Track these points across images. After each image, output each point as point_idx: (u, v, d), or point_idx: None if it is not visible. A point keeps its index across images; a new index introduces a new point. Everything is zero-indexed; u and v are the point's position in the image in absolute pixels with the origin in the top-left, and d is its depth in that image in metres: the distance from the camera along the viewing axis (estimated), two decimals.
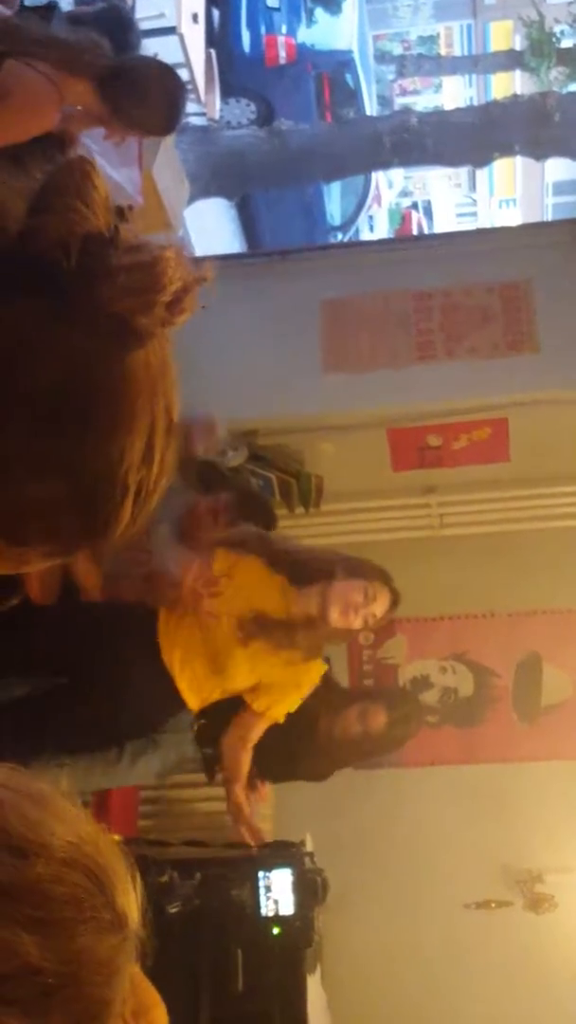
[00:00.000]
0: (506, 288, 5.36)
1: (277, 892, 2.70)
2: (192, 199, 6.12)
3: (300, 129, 7.84)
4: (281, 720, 3.63)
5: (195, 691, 3.53)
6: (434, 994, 5.15)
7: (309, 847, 4.25)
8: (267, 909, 2.68)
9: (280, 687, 3.64)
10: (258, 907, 2.67)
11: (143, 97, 3.51)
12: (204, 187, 6.39)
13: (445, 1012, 5.13)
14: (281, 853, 2.76)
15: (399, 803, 5.52)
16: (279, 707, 3.62)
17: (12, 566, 1.07)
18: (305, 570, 3.64)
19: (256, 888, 2.68)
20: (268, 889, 2.70)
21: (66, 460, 0.98)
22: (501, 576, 5.86)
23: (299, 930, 2.84)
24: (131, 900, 1.04)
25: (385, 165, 8.49)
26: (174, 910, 2.62)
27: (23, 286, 0.95)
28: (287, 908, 2.67)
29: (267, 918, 2.67)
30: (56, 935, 0.94)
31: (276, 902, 2.69)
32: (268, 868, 2.71)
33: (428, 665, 5.80)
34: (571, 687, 5.70)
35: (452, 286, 5.41)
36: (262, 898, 2.68)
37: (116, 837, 3.02)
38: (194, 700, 3.54)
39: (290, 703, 3.65)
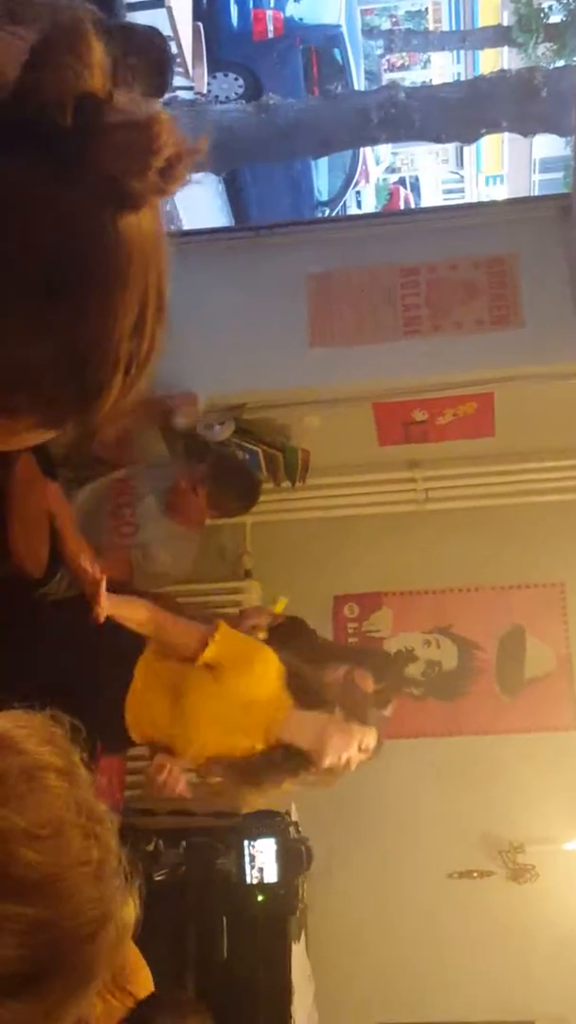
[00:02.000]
0: (492, 263, 5.36)
1: (262, 861, 2.73)
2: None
3: (288, 104, 7.82)
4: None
5: (141, 738, 3.53)
6: (417, 962, 5.22)
7: (294, 817, 4.30)
8: (252, 877, 2.71)
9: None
10: (243, 875, 2.70)
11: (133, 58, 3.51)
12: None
13: (428, 980, 5.20)
14: (266, 822, 2.79)
15: (383, 775, 5.53)
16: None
17: (1, 441, 1.07)
18: (314, 694, 3.49)
19: (241, 857, 2.72)
20: (253, 858, 2.74)
21: (56, 324, 0.97)
22: (485, 550, 5.90)
23: (283, 898, 2.88)
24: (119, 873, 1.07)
25: (373, 140, 8.47)
26: (160, 878, 2.65)
27: (16, 144, 0.94)
28: (271, 876, 2.71)
29: (252, 886, 2.71)
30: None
31: (261, 870, 2.72)
32: (253, 837, 2.74)
33: (412, 638, 5.85)
34: (554, 660, 5.75)
35: (438, 260, 5.41)
36: (247, 866, 2.71)
37: (103, 806, 3.05)
38: (137, 737, 3.54)
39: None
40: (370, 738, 3.43)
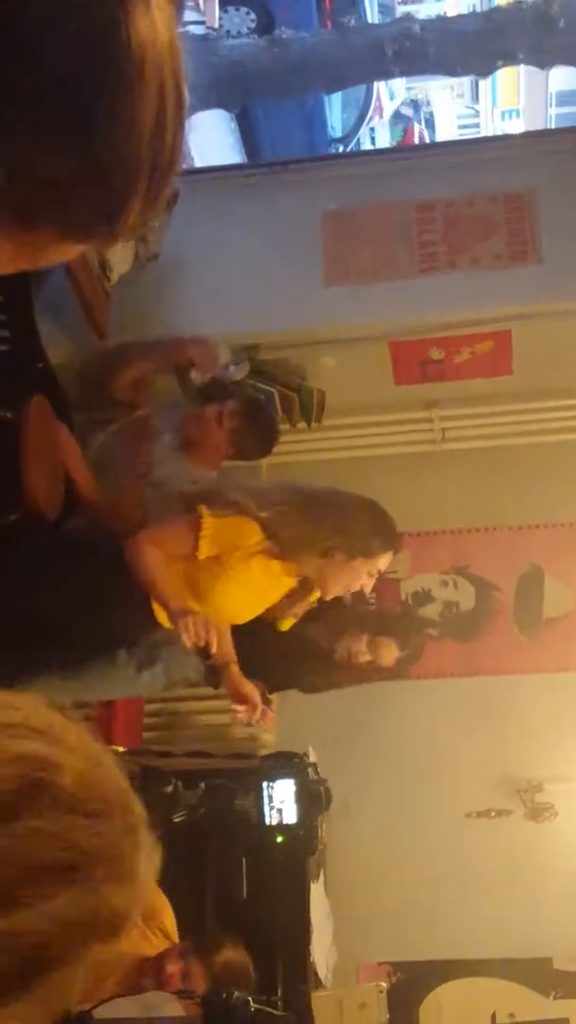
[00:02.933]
0: (509, 198, 5.28)
1: (280, 802, 2.73)
2: (191, 111, 5.99)
3: (300, 38, 7.66)
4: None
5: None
6: (435, 901, 5.24)
7: (312, 759, 4.30)
8: (271, 818, 2.70)
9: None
10: (262, 816, 2.69)
11: None
12: (203, 98, 6.26)
13: (446, 918, 5.22)
14: (284, 764, 2.79)
15: (401, 715, 5.57)
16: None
17: (28, 259, 1.02)
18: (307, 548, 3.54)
19: (260, 798, 2.72)
20: (272, 799, 2.73)
21: (76, 126, 0.92)
22: (503, 490, 5.86)
23: (302, 839, 2.88)
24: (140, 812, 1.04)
25: (386, 75, 8.31)
26: (179, 819, 2.65)
27: None
28: (291, 817, 2.71)
29: (271, 827, 2.70)
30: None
31: (280, 811, 2.72)
32: (272, 778, 2.75)
33: (430, 579, 5.82)
34: (572, 600, 5.72)
35: (455, 196, 5.33)
36: (266, 808, 2.71)
37: (120, 748, 3.04)
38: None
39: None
40: (382, 562, 3.49)
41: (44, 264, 1.05)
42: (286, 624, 3.64)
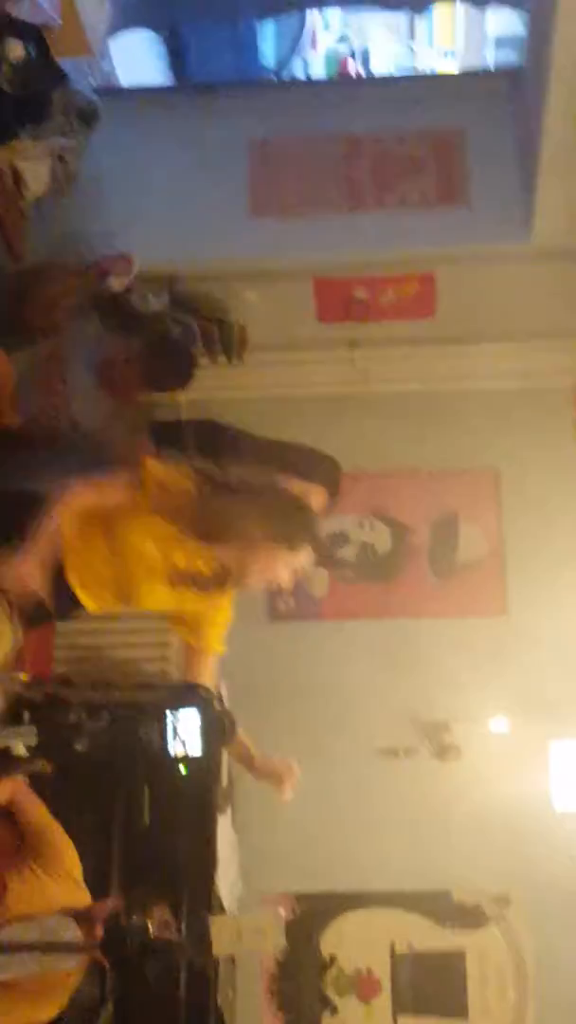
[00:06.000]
0: (439, 137, 5.25)
1: (184, 732, 2.71)
2: (117, 29, 5.85)
3: None
4: (222, 651, 3.49)
5: (96, 602, 3.35)
6: (340, 835, 5.30)
7: (224, 694, 4.29)
8: (174, 749, 2.69)
9: (203, 617, 3.46)
10: (166, 747, 2.68)
11: None
12: (131, 16, 6.11)
13: (350, 852, 5.28)
14: (189, 695, 2.77)
15: (314, 655, 5.59)
16: (214, 637, 3.46)
17: None
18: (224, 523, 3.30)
19: (164, 728, 2.69)
20: (176, 729, 2.71)
21: None
22: (423, 434, 5.85)
23: (206, 769, 2.88)
24: None
25: (320, 2, 8.21)
26: (81, 748, 2.62)
27: None
28: (194, 748, 2.69)
29: (174, 757, 2.69)
30: None
31: (184, 742, 2.70)
32: (176, 709, 2.72)
33: (346, 521, 5.82)
34: (486, 546, 5.76)
35: (384, 133, 5.29)
36: (169, 738, 2.69)
37: (24, 677, 2.99)
38: (93, 606, 3.36)
39: (220, 628, 3.49)
40: (298, 556, 3.26)
41: None
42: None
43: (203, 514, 3.26)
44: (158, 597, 3.31)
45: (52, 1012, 3.36)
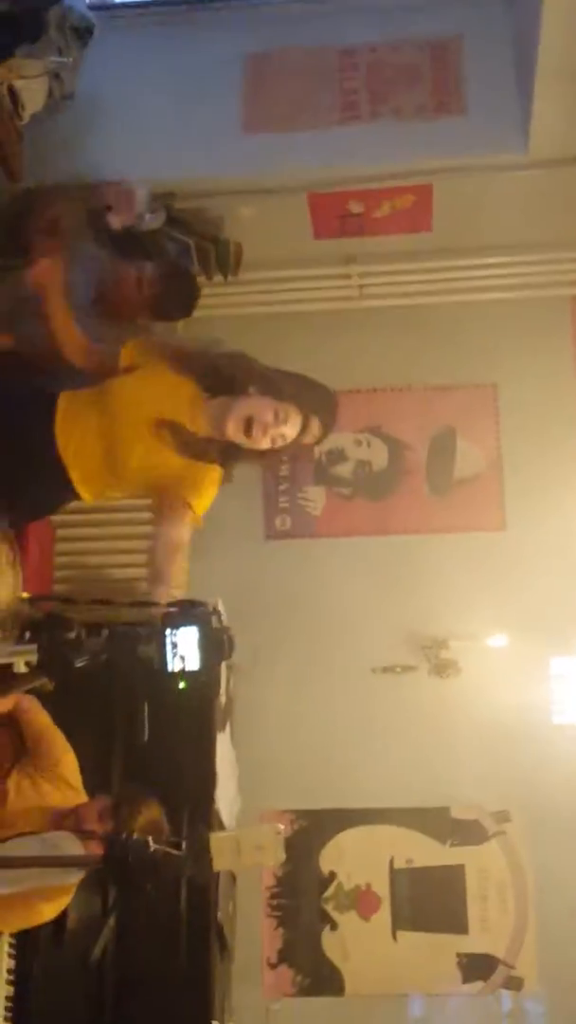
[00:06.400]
0: (435, 46, 5.15)
1: (183, 648, 2.72)
2: None
3: None
4: (200, 524, 3.47)
5: (88, 484, 3.43)
6: (339, 753, 5.35)
7: (221, 611, 4.30)
8: (173, 665, 2.70)
9: (185, 482, 3.43)
10: (164, 663, 2.69)
11: None
12: None
13: (349, 769, 5.33)
14: (187, 612, 2.77)
15: (312, 572, 5.61)
16: (193, 496, 3.42)
17: None
18: (218, 378, 3.39)
19: (162, 645, 2.70)
20: (175, 645, 2.72)
21: None
22: (419, 350, 5.83)
23: (204, 685, 2.89)
24: None
25: None
26: (80, 664, 2.63)
27: None
28: (193, 664, 2.69)
29: (173, 673, 2.70)
30: None
31: (182, 658, 2.71)
32: (175, 626, 2.72)
33: (343, 438, 5.80)
34: (483, 461, 5.75)
35: (379, 42, 5.18)
36: (168, 654, 2.70)
37: (25, 594, 3.00)
38: (87, 493, 3.45)
39: (199, 491, 3.45)
40: (285, 410, 3.30)
41: None
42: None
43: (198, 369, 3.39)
44: (142, 450, 3.34)
45: (53, 914, 3.45)
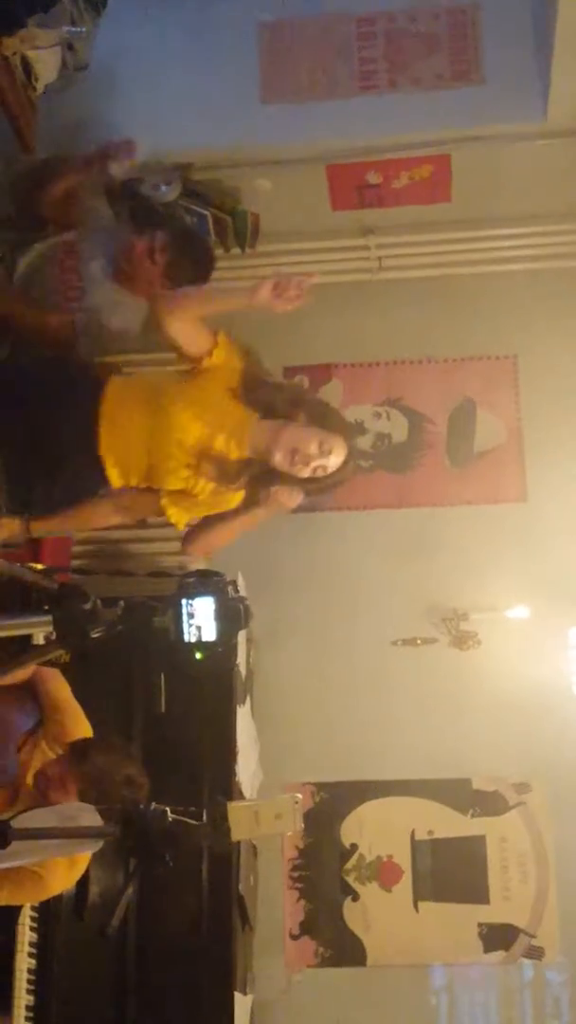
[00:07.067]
0: (452, 13, 5.09)
1: (200, 619, 2.71)
2: None
3: None
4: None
5: (120, 474, 3.49)
6: (360, 725, 5.36)
7: (241, 584, 4.31)
8: (190, 635, 2.69)
9: (201, 504, 3.55)
10: (180, 633, 2.68)
11: None
12: None
13: (370, 742, 5.35)
14: (204, 582, 2.76)
15: (332, 545, 5.61)
16: (179, 515, 3.58)
17: None
18: (271, 404, 3.46)
19: (179, 615, 2.69)
20: (191, 616, 2.71)
21: None
22: (438, 321, 5.80)
23: (222, 656, 2.88)
24: None
25: None
26: (97, 635, 2.62)
27: None
28: (209, 635, 2.69)
29: (190, 644, 2.69)
30: None
31: (199, 629, 2.70)
32: (191, 596, 2.71)
33: (363, 411, 5.79)
34: (504, 433, 5.72)
35: (397, 10, 5.13)
36: (184, 624, 2.69)
37: (39, 565, 2.99)
38: (117, 480, 3.51)
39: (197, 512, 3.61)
40: (331, 442, 3.38)
41: None
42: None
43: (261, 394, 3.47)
44: (186, 475, 3.43)
45: (67, 885, 3.51)
